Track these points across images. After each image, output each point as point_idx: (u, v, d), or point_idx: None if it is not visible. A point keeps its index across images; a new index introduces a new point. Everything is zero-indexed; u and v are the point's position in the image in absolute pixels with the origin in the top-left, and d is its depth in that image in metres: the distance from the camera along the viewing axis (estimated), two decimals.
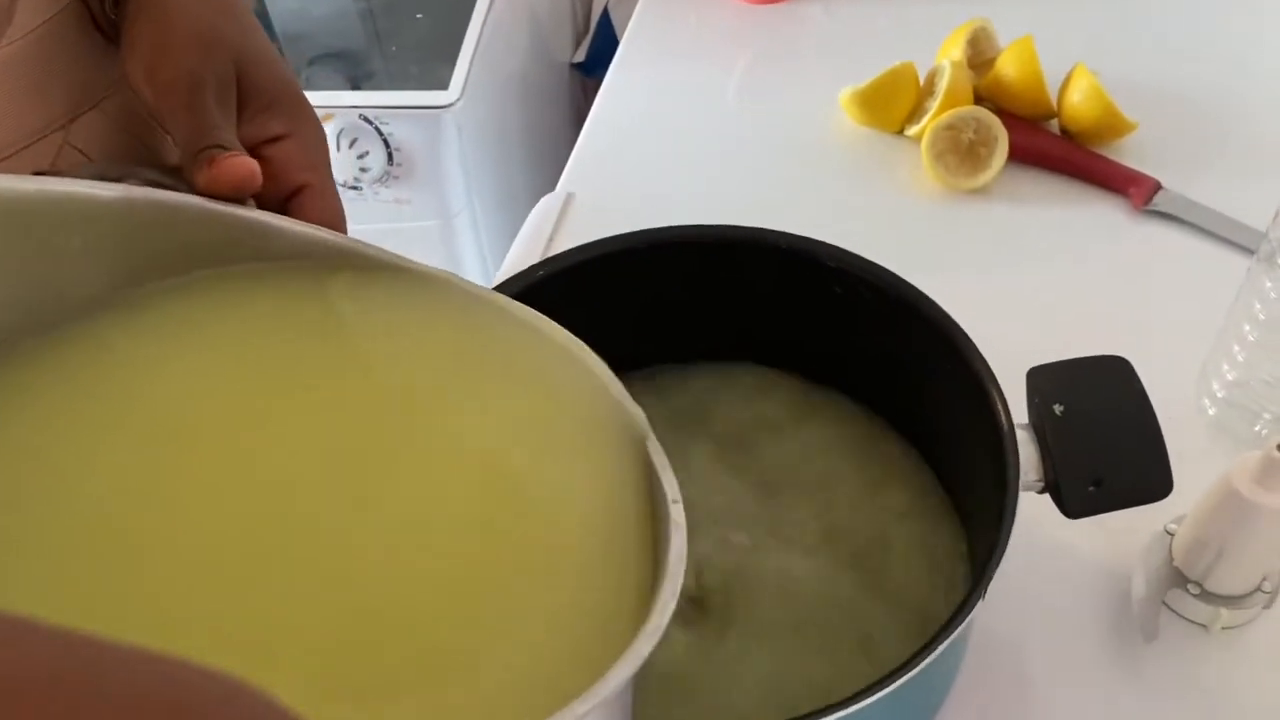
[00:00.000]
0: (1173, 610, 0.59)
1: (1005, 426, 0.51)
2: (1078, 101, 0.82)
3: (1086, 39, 0.91)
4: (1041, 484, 0.52)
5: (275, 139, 0.44)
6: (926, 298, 0.57)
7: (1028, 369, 0.55)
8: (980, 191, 0.82)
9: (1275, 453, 0.52)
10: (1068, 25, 0.93)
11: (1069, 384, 0.53)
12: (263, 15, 1.00)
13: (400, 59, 1.01)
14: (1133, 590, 0.59)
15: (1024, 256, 0.79)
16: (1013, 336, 0.71)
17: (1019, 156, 0.83)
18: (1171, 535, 0.60)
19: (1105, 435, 0.51)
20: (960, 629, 0.45)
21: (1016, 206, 0.82)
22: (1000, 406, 0.52)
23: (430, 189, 0.98)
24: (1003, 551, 0.47)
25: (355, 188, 0.97)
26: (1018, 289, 0.76)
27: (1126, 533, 0.60)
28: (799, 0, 1.02)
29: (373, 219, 0.99)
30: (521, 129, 1.11)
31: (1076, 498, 0.50)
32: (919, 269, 0.77)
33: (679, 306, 0.63)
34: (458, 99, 0.94)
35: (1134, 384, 0.53)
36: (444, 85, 0.95)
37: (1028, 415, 0.53)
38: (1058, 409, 0.52)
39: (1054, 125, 0.86)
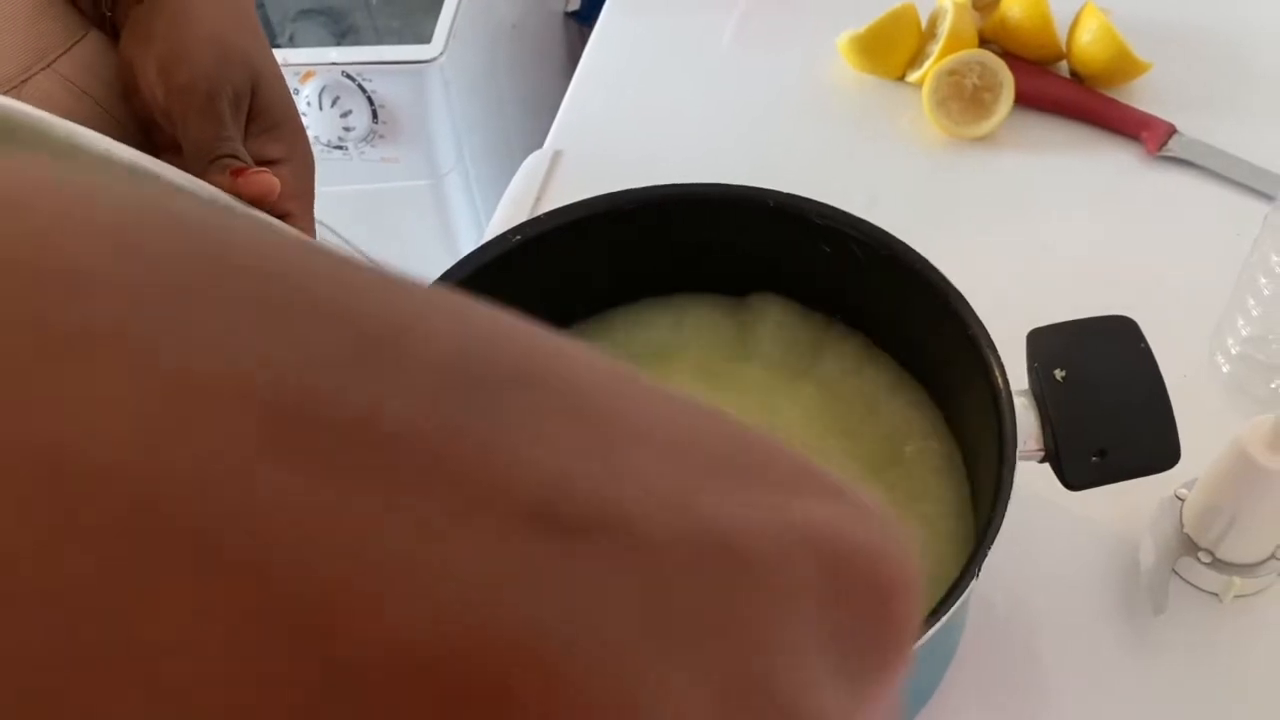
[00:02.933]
0: (1184, 579, 0.57)
1: (1002, 393, 0.48)
2: (1087, 42, 0.78)
3: None
4: (1041, 453, 0.49)
5: (272, 162, 0.46)
6: (918, 255, 0.54)
7: (1030, 330, 0.52)
8: (986, 139, 0.78)
9: None
10: None
11: (1071, 347, 0.51)
12: None
13: (384, 12, 0.97)
14: (1141, 559, 0.57)
15: (1031, 207, 0.76)
16: (1018, 292, 0.68)
17: (1026, 101, 0.79)
18: (1182, 501, 0.57)
19: (1109, 402, 0.48)
20: (953, 609, 0.43)
21: (1024, 154, 0.78)
22: (997, 371, 0.49)
23: (418, 147, 0.95)
24: (996, 531, 0.44)
25: (340, 147, 0.94)
26: (1024, 241, 0.73)
27: (1135, 498, 0.58)
28: None
29: (360, 179, 0.97)
30: (514, 82, 1.07)
31: (1078, 469, 0.47)
32: (921, 221, 0.74)
33: (668, 262, 0.60)
34: (441, 53, 0.91)
35: (1140, 346, 0.50)
36: (426, 39, 0.91)
37: (1028, 380, 0.51)
38: (1059, 374, 0.50)
39: (1064, 68, 0.82)
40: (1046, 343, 0.51)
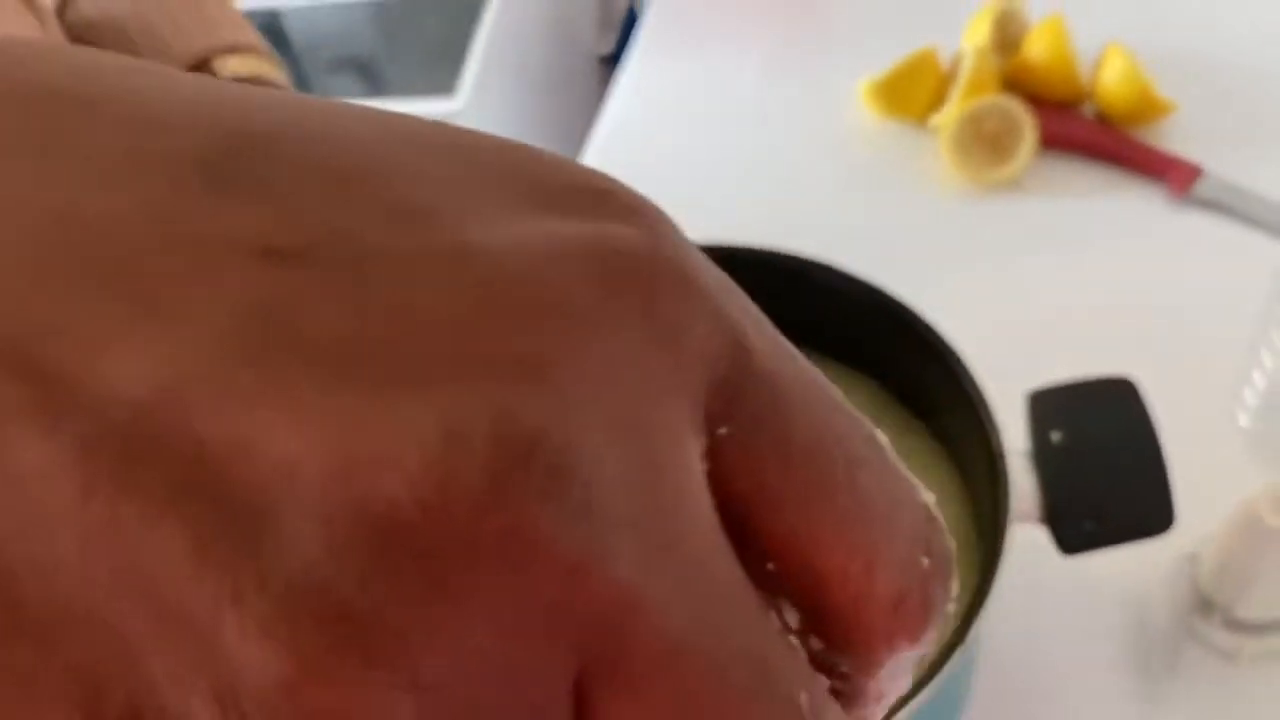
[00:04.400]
0: (1198, 638, 0.56)
1: (999, 459, 0.48)
2: (1111, 83, 0.77)
3: (1124, 14, 0.86)
4: (1039, 517, 0.48)
5: None
6: (917, 315, 0.54)
7: (1029, 392, 0.52)
8: (1008, 183, 0.78)
9: None
10: (1104, 1, 0.88)
11: (1070, 409, 0.50)
12: (277, 27, 1.00)
13: (412, 65, 1.00)
14: (1152, 616, 0.56)
15: (1053, 251, 0.75)
16: (1037, 340, 0.68)
17: (1050, 144, 0.78)
18: (1197, 559, 0.56)
19: (1104, 466, 0.48)
20: (941, 677, 0.43)
21: (1046, 198, 0.78)
22: (993, 437, 0.49)
23: None
24: (985, 598, 0.44)
25: None
26: (1044, 287, 0.72)
27: (1150, 553, 0.57)
28: None
29: None
30: (545, 127, 1.09)
31: (1072, 534, 0.47)
32: (939, 266, 0.74)
33: None
34: (464, 106, 0.93)
35: (1139, 409, 0.49)
36: (450, 92, 0.93)
37: (1029, 442, 0.50)
38: (1055, 437, 0.49)
39: (1089, 109, 0.81)
40: (1046, 404, 0.50)
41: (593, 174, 0.13)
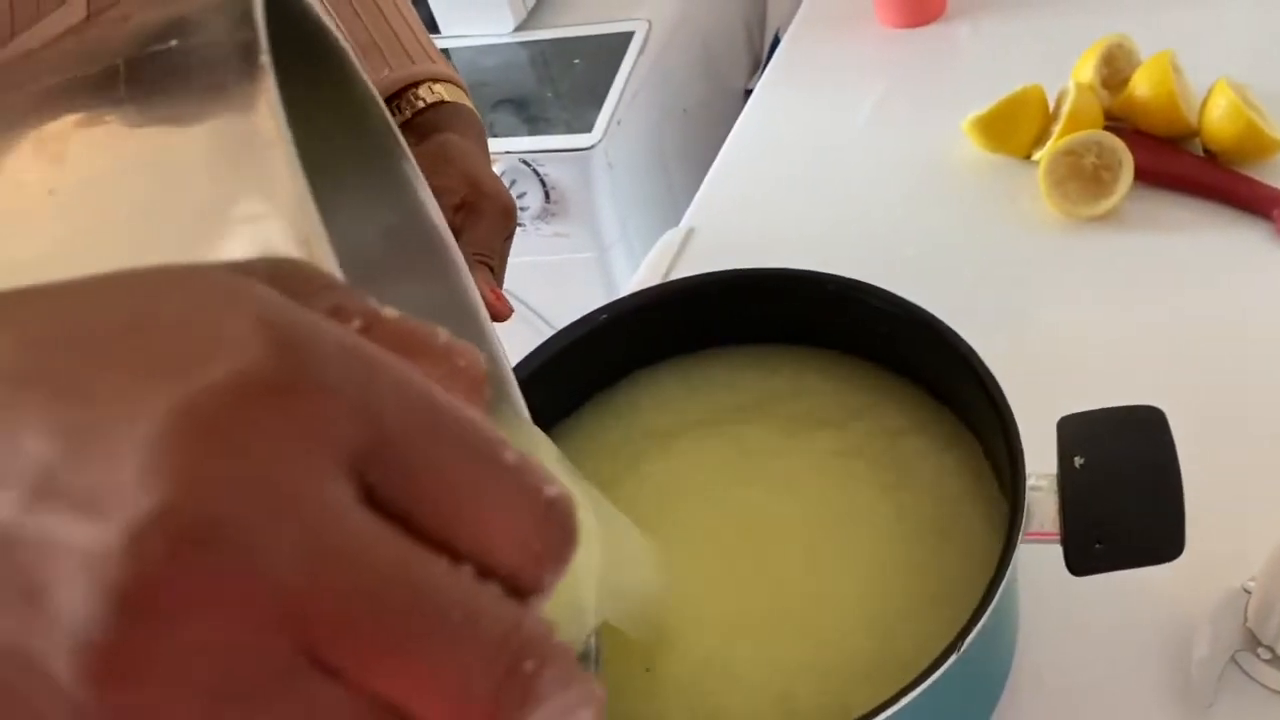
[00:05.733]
0: (1246, 673, 0.56)
1: (1021, 479, 0.51)
2: (1217, 119, 0.77)
3: (1236, 51, 0.85)
4: (1057, 537, 0.51)
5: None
6: (966, 345, 0.57)
7: (1060, 417, 0.54)
8: (1108, 218, 0.79)
9: None
10: (1218, 37, 0.87)
11: (1096, 435, 0.52)
12: None
13: (562, 103, 1.08)
14: (1195, 648, 0.56)
15: (1149, 286, 0.75)
16: (1117, 371, 0.69)
17: (1153, 179, 0.79)
18: (1248, 593, 0.56)
19: (1118, 491, 0.49)
20: (930, 683, 0.46)
21: (1146, 233, 0.78)
22: (1018, 461, 0.51)
23: (585, 223, 1.05)
24: (988, 607, 0.47)
25: (518, 225, 1.05)
26: (1138, 321, 0.73)
27: (1200, 584, 0.57)
28: (946, 21, 1.01)
29: (536, 252, 1.07)
30: (684, 160, 1.15)
31: (1079, 554, 0.49)
32: (1030, 299, 0.76)
33: (742, 325, 0.65)
34: (599, 141, 1.00)
35: (1164, 437, 0.50)
36: (589, 128, 1.01)
37: (1056, 465, 0.52)
38: (1078, 461, 0.51)
39: (1198, 145, 0.81)
40: (1073, 429, 0.52)
41: (266, 308, 0.18)
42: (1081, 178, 0.79)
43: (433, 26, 1.19)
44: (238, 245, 0.23)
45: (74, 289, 0.19)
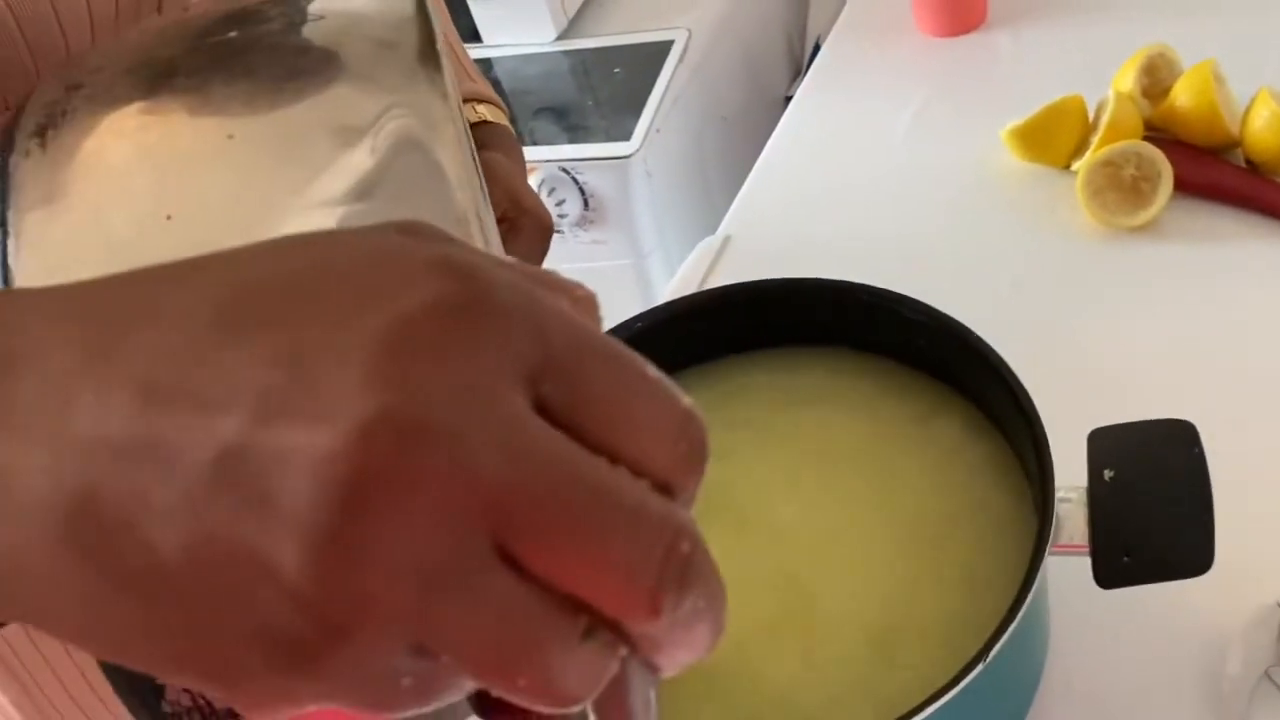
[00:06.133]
0: (1279, 688, 0.55)
1: (1052, 494, 0.51)
2: (1259, 129, 0.76)
3: None
4: (1087, 550, 0.51)
5: None
6: (998, 357, 0.57)
7: (1091, 430, 0.54)
8: (1147, 229, 0.78)
9: None
10: (1262, 46, 0.86)
11: (1128, 448, 0.52)
12: (489, 74, 1.12)
13: (603, 111, 1.09)
14: (1227, 664, 0.56)
15: (1187, 297, 0.75)
16: (1147, 388, 0.68)
17: (1194, 189, 0.78)
18: None
19: (1149, 505, 0.49)
20: (955, 692, 0.46)
21: (1186, 244, 0.78)
22: (1048, 472, 0.51)
23: (622, 231, 1.06)
24: (1015, 617, 0.47)
25: (557, 231, 1.06)
26: (1171, 332, 0.72)
27: (1235, 599, 0.57)
28: (986, 30, 1.01)
29: (574, 259, 1.09)
30: (724, 167, 1.16)
31: (1107, 567, 0.49)
32: (1067, 308, 0.76)
33: (774, 334, 0.66)
34: (637, 149, 1.01)
35: (1194, 451, 0.50)
36: (628, 136, 1.02)
37: (1087, 478, 0.53)
38: (1108, 474, 0.51)
39: (1239, 155, 0.80)
40: (1105, 442, 0.52)
41: (426, 245, 0.21)
42: (1120, 188, 0.78)
43: (475, 36, 1.20)
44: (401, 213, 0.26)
45: (259, 249, 0.21)
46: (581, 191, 1.04)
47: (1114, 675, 0.58)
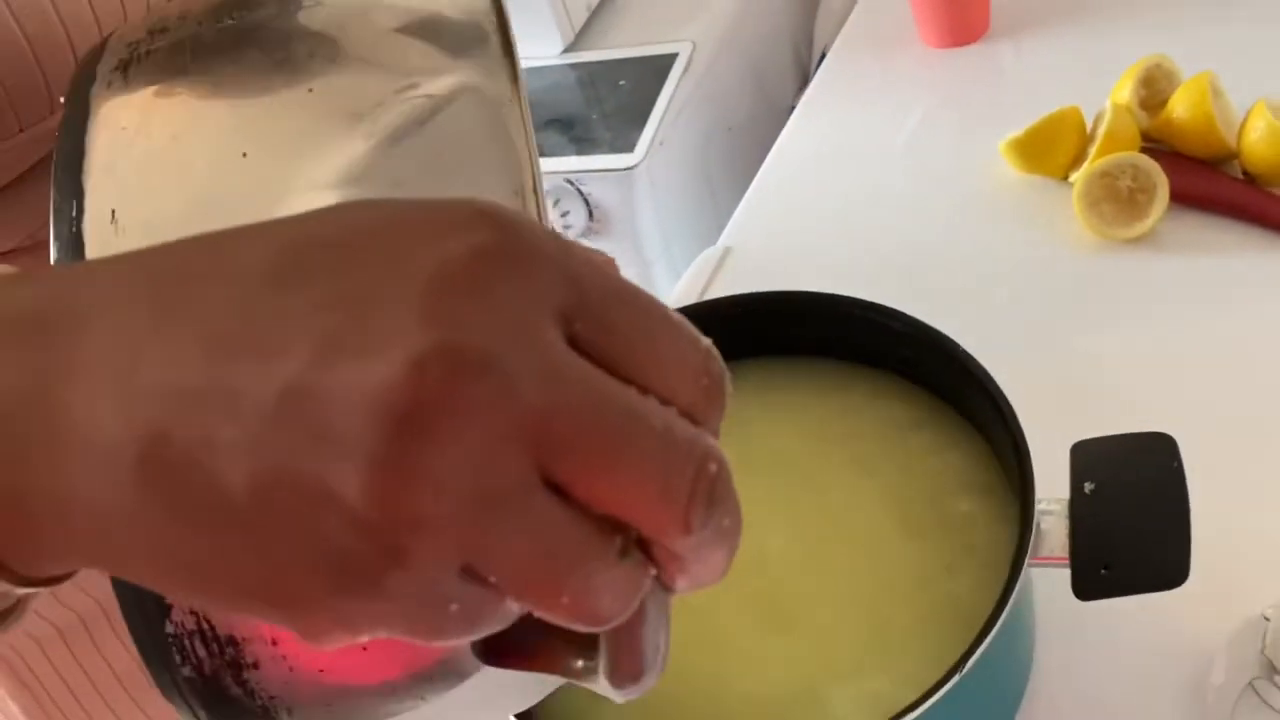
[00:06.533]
0: (1265, 702, 0.56)
1: (1032, 506, 0.51)
2: (1255, 141, 0.76)
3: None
4: (1066, 562, 0.51)
5: None
6: (983, 370, 0.57)
7: (1074, 442, 0.54)
8: (1143, 240, 0.78)
9: None
10: (1261, 57, 0.86)
11: (1108, 461, 0.53)
12: None
13: (608, 123, 1.10)
14: (1211, 675, 0.56)
15: (1183, 309, 0.75)
16: (1142, 399, 0.69)
17: (1191, 201, 0.78)
18: (1269, 621, 0.56)
19: (1124, 517, 0.50)
20: (932, 703, 0.47)
21: (1182, 256, 0.78)
22: (1029, 484, 0.52)
23: (627, 241, 1.07)
24: (991, 632, 0.48)
25: None
26: (1167, 343, 0.73)
27: (1222, 612, 0.57)
28: (989, 41, 1.01)
29: None
30: (732, 176, 1.16)
31: (1086, 579, 0.49)
32: (1062, 319, 0.76)
33: (770, 344, 0.67)
34: (641, 161, 1.02)
35: (1173, 464, 0.51)
36: (631, 148, 1.03)
37: (1070, 491, 0.53)
38: (1088, 487, 0.52)
39: (1236, 167, 0.80)
40: (1086, 455, 0.53)
41: (465, 203, 0.23)
42: (1117, 200, 0.78)
43: None
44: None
45: (316, 211, 0.23)
46: (586, 203, 1.06)
47: (1099, 686, 0.58)
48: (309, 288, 0.21)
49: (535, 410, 0.20)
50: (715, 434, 0.23)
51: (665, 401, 0.22)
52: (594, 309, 0.22)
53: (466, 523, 0.20)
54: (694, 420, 0.22)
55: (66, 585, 0.25)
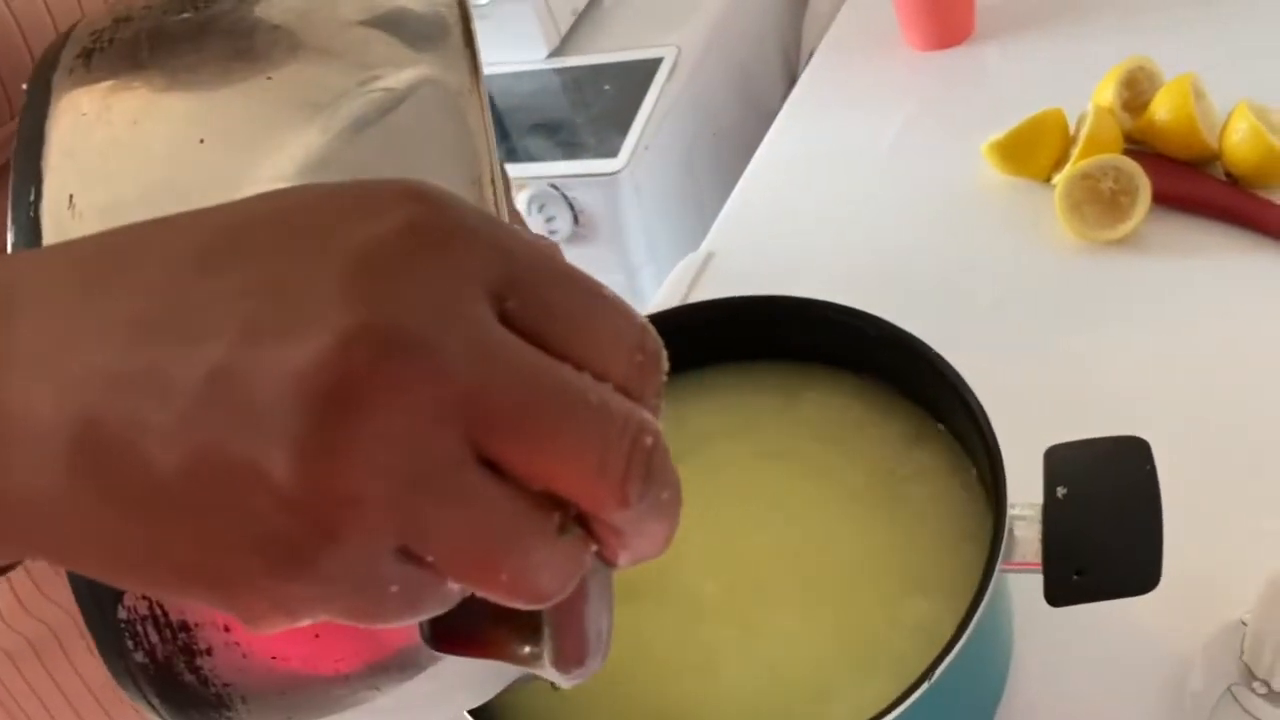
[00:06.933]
0: (1243, 708, 0.55)
1: (1005, 512, 0.51)
2: (1237, 142, 0.76)
3: (1261, 74, 0.84)
4: (1039, 567, 0.51)
5: None
6: (956, 375, 0.57)
7: (1047, 447, 0.54)
8: (1126, 241, 0.78)
9: None
10: (1243, 59, 0.86)
11: (1081, 465, 0.52)
12: None
13: (593, 129, 1.10)
14: (1189, 682, 0.56)
15: (1166, 311, 0.74)
16: (1123, 402, 0.68)
17: (1174, 203, 0.78)
18: (1246, 626, 0.55)
19: (1096, 521, 0.49)
20: (901, 710, 0.46)
21: (1165, 257, 0.77)
22: (1001, 491, 0.51)
23: (613, 246, 1.06)
24: (962, 637, 0.47)
25: None
26: (1149, 345, 0.72)
27: (1200, 617, 0.57)
28: (974, 44, 1.01)
29: None
30: (718, 180, 1.16)
31: (1057, 585, 0.49)
32: (1044, 321, 0.76)
33: (749, 348, 0.67)
34: (625, 166, 1.02)
35: (1146, 468, 0.50)
36: (615, 153, 1.03)
37: (1043, 495, 0.52)
38: (1060, 491, 0.51)
39: (1219, 168, 0.80)
40: (1059, 460, 0.52)
41: (395, 182, 0.23)
42: (1099, 202, 0.78)
43: None
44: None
45: (247, 198, 0.23)
46: (571, 208, 1.05)
47: (1077, 692, 0.58)
48: (239, 270, 0.21)
49: (465, 386, 0.20)
50: (654, 410, 0.22)
51: (600, 377, 0.22)
52: (526, 285, 0.22)
53: (399, 501, 0.20)
54: (630, 395, 0.22)
55: (36, 596, 0.24)
